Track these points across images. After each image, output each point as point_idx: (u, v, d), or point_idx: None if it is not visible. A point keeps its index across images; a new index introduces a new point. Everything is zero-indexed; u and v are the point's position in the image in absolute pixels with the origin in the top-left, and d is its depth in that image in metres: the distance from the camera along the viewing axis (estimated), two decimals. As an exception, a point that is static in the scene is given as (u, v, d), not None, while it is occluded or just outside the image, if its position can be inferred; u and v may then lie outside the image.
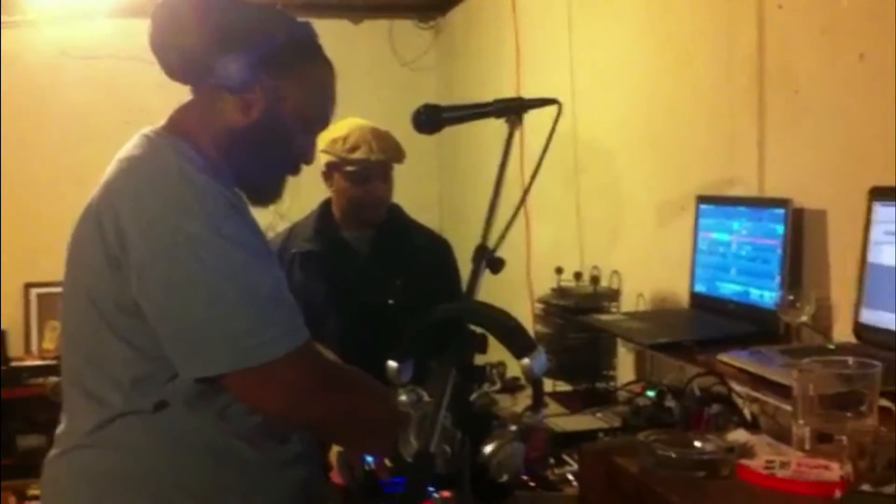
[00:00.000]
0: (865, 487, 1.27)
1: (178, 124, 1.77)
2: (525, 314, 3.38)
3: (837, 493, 1.30)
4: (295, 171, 1.85)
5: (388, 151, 2.99)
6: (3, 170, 5.05)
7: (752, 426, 2.03)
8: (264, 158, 1.78)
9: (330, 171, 3.03)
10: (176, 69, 1.76)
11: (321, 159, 2.97)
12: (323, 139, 2.84)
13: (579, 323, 2.79)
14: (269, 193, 1.83)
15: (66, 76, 5.15)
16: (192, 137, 1.74)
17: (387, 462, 1.91)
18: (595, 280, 2.96)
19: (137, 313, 1.61)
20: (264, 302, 1.62)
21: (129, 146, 1.74)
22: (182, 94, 1.82)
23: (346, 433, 1.81)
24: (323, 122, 1.86)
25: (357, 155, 2.96)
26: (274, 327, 1.62)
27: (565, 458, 2.14)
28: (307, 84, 1.79)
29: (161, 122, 1.80)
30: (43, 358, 5.06)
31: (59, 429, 1.79)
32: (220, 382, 1.64)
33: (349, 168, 2.97)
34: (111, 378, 1.67)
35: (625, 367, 2.96)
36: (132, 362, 1.65)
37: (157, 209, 1.60)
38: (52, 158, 5.16)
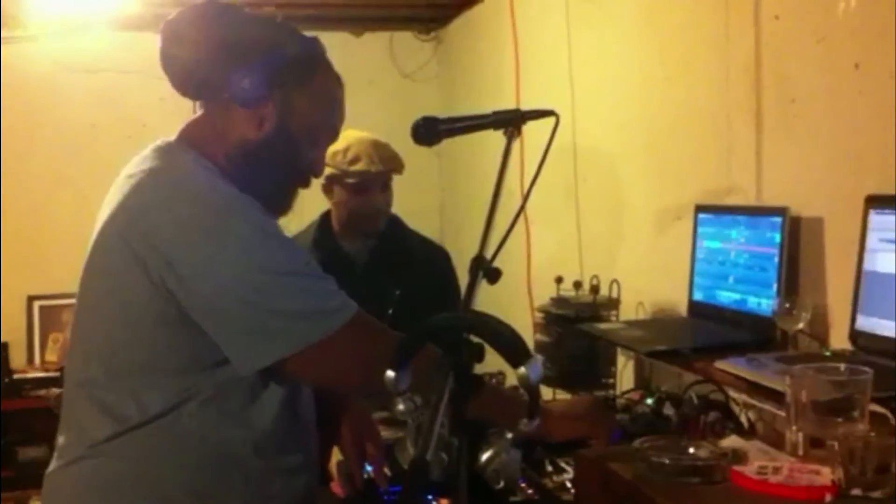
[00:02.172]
0: (856, 492, 1.29)
1: (190, 138, 1.79)
2: (525, 323, 3.39)
3: (828, 498, 1.32)
4: (305, 183, 1.88)
5: (387, 162, 3.01)
6: (6, 183, 5.07)
7: (750, 433, 2.04)
8: (276, 171, 1.80)
9: (330, 184, 3.05)
10: (186, 85, 1.78)
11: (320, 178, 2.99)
12: (322, 153, 2.86)
13: (579, 331, 2.80)
14: (279, 206, 1.85)
15: (66, 90, 5.16)
16: (204, 151, 1.76)
17: (386, 471, 1.93)
18: (595, 289, 2.97)
19: (175, 326, 1.64)
20: (313, 281, 1.69)
21: (143, 158, 1.76)
22: (185, 108, 1.84)
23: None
24: (332, 134, 1.88)
25: (358, 167, 2.98)
26: (328, 300, 1.68)
27: (563, 465, 2.15)
28: (317, 97, 1.80)
29: (171, 136, 1.81)
30: (45, 370, 5.08)
31: (60, 441, 1.79)
32: (285, 370, 1.69)
33: (350, 180, 2.99)
34: (132, 391, 1.68)
35: (624, 375, 2.97)
36: (157, 376, 1.67)
37: (195, 217, 1.63)
38: (54, 172, 5.18)
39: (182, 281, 1.61)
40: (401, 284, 3.01)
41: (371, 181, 3.00)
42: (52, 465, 1.79)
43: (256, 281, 1.62)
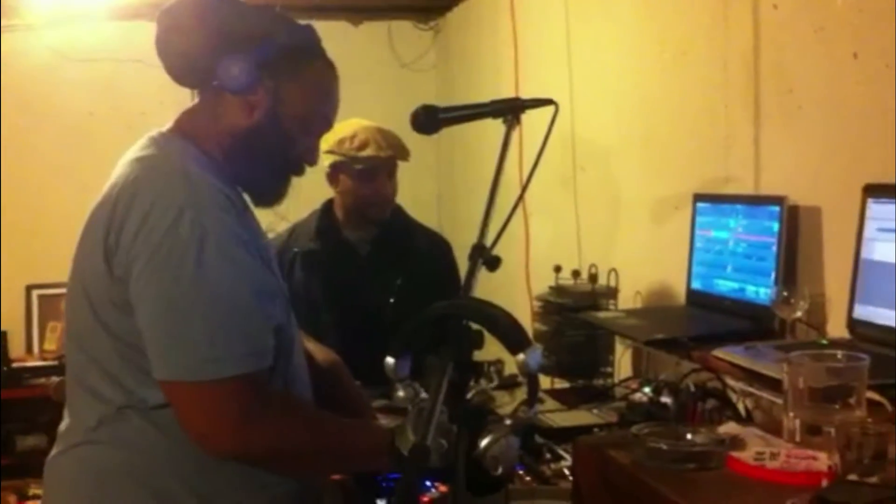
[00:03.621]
0: (852, 477, 1.30)
1: (184, 127, 1.80)
2: (524, 312, 3.40)
3: (825, 483, 1.32)
4: (298, 172, 1.88)
5: (395, 148, 3.03)
6: (5, 173, 5.06)
7: (747, 421, 2.05)
8: (267, 159, 1.80)
9: (335, 173, 3.05)
10: (180, 72, 1.79)
11: (325, 161, 3.00)
12: (328, 141, 2.87)
13: (577, 320, 2.81)
14: (272, 194, 1.85)
15: (66, 79, 5.16)
16: (197, 139, 1.77)
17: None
18: (593, 278, 2.97)
19: (130, 311, 1.64)
20: (232, 318, 1.62)
21: (136, 147, 1.77)
22: (183, 97, 1.85)
23: (294, 469, 1.78)
24: (325, 123, 1.88)
25: (366, 152, 2.99)
26: (232, 346, 1.61)
27: (561, 453, 2.16)
28: (310, 86, 1.81)
29: (167, 124, 1.82)
30: (44, 359, 5.08)
31: (62, 427, 1.81)
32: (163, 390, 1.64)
33: (358, 166, 3.00)
34: (111, 374, 1.69)
35: (622, 363, 2.98)
36: (128, 358, 1.67)
37: (153, 209, 1.62)
38: (53, 161, 5.18)
39: (122, 266, 1.62)
40: (402, 273, 3.03)
41: (379, 167, 3.01)
42: (53, 453, 1.81)
43: (172, 292, 1.60)
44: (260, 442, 1.65)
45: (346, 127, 2.99)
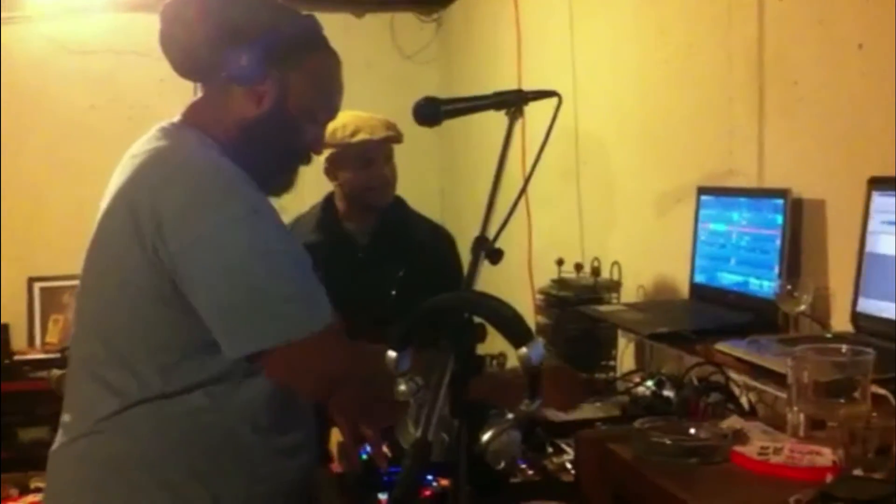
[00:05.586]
0: (857, 472, 1.29)
1: (193, 119, 1.81)
2: (526, 305, 3.40)
3: (829, 478, 1.32)
4: (306, 160, 1.89)
5: (387, 129, 3.03)
6: (5, 165, 5.06)
7: (750, 415, 2.04)
8: (276, 149, 1.82)
9: (333, 166, 3.05)
10: (186, 66, 1.80)
11: (321, 155, 2.99)
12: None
13: (580, 313, 2.80)
14: (281, 184, 1.87)
15: (66, 71, 5.16)
16: (207, 131, 1.78)
17: (386, 452, 1.93)
18: (595, 271, 2.97)
19: (171, 304, 1.64)
20: (303, 277, 1.69)
21: (148, 138, 1.78)
22: (184, 88, 1.85)
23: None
24: (331, 111, 1.90)
25: (359, 137, 2.99)
26: (314, 302, 1.68)
27: (564, 447, 2.15)
28: (314, 75, 1.82)
29: (175, 117, 1.83)
30: (46, 351, 5.09)
31: (65, 418, 1.81)
32: (259, 361, 1.68)
33: (354, 152, 3.00)
34: (131, 368, 1.70)
35: (625, 357, 2.98)
36: (155, 354, 1.68)
37: (192, 195, 1.64)
38: (54, 154, 5.18)
39: (175, 255, 1.62)
40: (404, 265, 3.02)
41: (374, 150, 3.01)
42: (57, 443, 1.81)
43: (249, 262, 1.63)
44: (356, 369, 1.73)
45: (336, 119, 2.99)
